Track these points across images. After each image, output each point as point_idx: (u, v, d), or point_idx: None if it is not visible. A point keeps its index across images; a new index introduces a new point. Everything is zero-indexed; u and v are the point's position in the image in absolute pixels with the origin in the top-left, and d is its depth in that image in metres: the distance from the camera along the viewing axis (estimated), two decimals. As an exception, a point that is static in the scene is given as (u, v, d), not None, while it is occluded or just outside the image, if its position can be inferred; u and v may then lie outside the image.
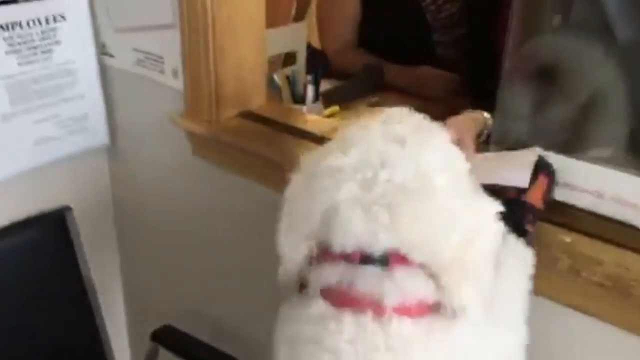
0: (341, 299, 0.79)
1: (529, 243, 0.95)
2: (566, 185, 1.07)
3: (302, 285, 0.86)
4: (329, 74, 1.94)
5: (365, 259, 0.78)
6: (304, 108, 1.55)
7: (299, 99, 1.57)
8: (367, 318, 0.77)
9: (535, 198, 1.00)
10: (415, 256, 0.78)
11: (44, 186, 1.62)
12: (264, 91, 1.51)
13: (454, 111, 1.34)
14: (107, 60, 1.59)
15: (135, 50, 1.51)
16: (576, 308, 1.06)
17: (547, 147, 1.07)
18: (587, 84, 1.11)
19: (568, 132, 1.16)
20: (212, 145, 1.44)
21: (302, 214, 0.83)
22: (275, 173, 1.32)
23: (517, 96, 1.16)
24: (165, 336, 1.57)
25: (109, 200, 1.76)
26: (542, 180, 1.02)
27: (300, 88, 1.58)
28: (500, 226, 0.82)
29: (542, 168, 1.03)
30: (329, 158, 0.81)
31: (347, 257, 0.79)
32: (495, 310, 0.81)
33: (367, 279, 0.78)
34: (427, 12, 2.02)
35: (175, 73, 1.46)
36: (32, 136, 1.54)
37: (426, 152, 0.80)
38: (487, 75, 1.31)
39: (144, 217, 1.72)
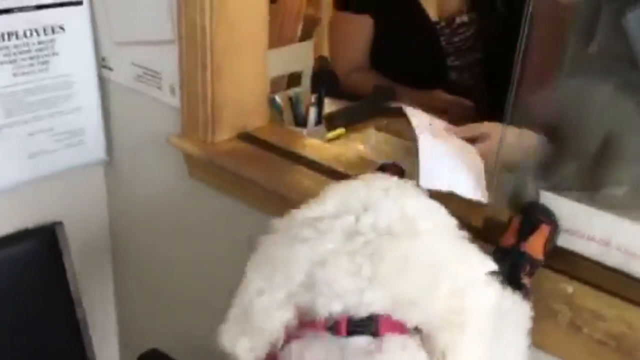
0: None
1: (525, 297, 0.88)
2: (571, 231, 1.00)
3: None
4: (339, 95, 1.89)
5: (353, 327, 0.71)
6: (305, 132, 1.49)
7: (301, 122, 1.51)
8: None
9: (535, 248, 0.94)
10: (405, 315, 0.72)
11: (38, 200, 1.58)
12: (265, 113, 1.46)
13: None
14: (106, 73, 1.55)
15: (134, 64, 1.47)
16: (576, 366, 0.99)
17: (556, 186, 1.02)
18: (600, 127, 1.04)
19: (581, 171, 1.10)
20: (207, 168, 1.39)
21: (280, 271, 0.75)
22: (270, 198, 1.28)
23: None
24: (152, 360, 1.52)
25: (104, 217, 1.72)
26: (544, 229, 0.96)
27: (302, 110, 1.52)
28: (497, 287, 0.77)
29: (544, 216, 0.96)
30: (304, 210, 0.77)
31: (332, 328, 0.71)
32: None
33: (358, 356, 0.70)
34: (441, 35, 1.97)
35: (172, 90, 1.42)
36: (27, 149, 1.51)
37: (410, 199, 0.77)
38: (501, 101, 1.25)
39: (139, 236, 1.68)
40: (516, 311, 0.87)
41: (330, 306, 0.71)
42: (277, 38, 1.54)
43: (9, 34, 1.40)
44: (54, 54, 1.47)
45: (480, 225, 1.05)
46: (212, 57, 1.32)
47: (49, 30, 1.45)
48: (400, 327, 0.72)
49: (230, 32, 1.32)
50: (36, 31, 1.43)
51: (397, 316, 0.71)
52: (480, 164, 1.17)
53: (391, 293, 0.71)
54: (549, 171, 1.07)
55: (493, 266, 0.77)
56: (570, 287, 0.99)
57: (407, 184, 0.81)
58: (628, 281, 0.96)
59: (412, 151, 1.25)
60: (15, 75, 1.43)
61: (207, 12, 1.28)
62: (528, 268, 0.92)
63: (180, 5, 1.31)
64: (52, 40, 1.46)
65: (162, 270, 1.65)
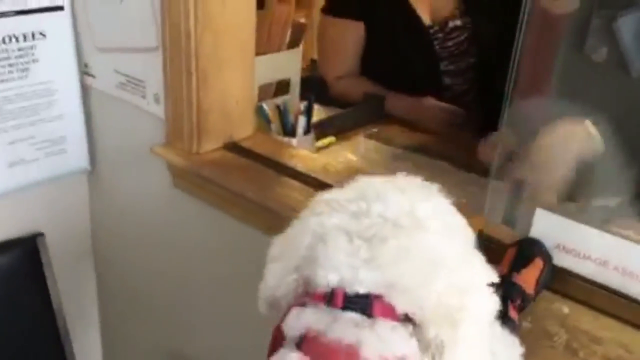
0: (318, 349, 0.71)
1: (513, 332, 0.85)
2: (567, 250, 0.97)
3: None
4: (328, 102, 1.85)
5: (348, 302, 0.72)
6: (294, 141, 1.45)
7: (290, 130, 1.47)
8: None
9: (527, 281, 0.91)
10: (399, 301, 0.72)
11: (19, 211, 1.54)
12: (252, 122, 1.42)
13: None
14: (89, 80, 1.51)
15: (117, 72, 1.43)
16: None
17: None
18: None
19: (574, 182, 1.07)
20: (192, 179, 1.34)
21: (291, 241, 0.79)
22: (255, 210, 1.24)
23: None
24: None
25: (86, 228, 1.67)
26: (538, 263, 0.93)
27: (291, 119, 1.48)
28: (496, 300, 0.75)
29: (539, 252, 0.94)
30: (326, 194, 0.80)
31: (330, 300, 0.73)
32: None
33: (348, 326, 0.71)
34: (435, 40, 1.93)
35: (157, 99, 1.38)
36: (7, 158, 1.46)
37: (424, 201, 0.77)
38: (495, 107, 1.22)
39: (122, 247, 1.63)
40: (508, 343, 0.83)
41: (328, 277, 0.73)
42: (264, 45, 1.49)
43: (-12, 41, 1.36)
44: (35, 60, 1.43)
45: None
46: (198, 64, 1.27)
47: (29, 37, 1.41)
48: (392, 313, 0.72)
49: (216, 38, 1.27)
50: (15, 37, 1.39)
51: (389, 300, 0.72)
52: None
53: (386, 277, 0.72)
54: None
55: (494, 277, 0.76)
56: (565, 308, 0.96)
57: (430, 187, 0.81)
58: (626, 302, 0.93)
59: (402, 158, 1.21)
60: (-7, 82, 1.39)
61: (192, 18, 1.24)
62: (519, 302, 0.89)
63: (164, 10, 1.27)
64: (32, 47, 1.42)
65: (146, 282, 1.61)
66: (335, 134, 1.67)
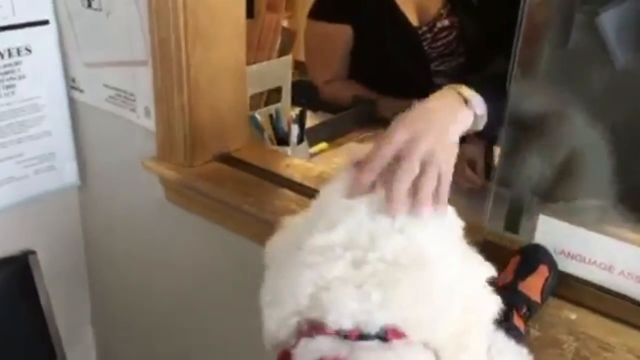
0: None
1: (519, 341, 0.84)
2: (572, 255, 0.96)
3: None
4: (317, 107, 1.84)
5: (363, 336, 0.71)
6: (288, 150, 1.43)
7: (283, 137, 1.46)
8: None
9: (532, 289, 0.90)
10: (414, 334, 0.71)
11: (9, 229, 1.51)
12: (245, 132, 1.40)
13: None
14: (77, 95, 1.48)
15: (106, 86, 1.40)
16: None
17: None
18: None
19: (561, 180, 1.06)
20: (185, 192, 1.32)
21: (288, 291, 0.76)
22: (251, 223, 1.22)
23: (517, 141, 1.07)
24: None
25: (79, 244, 1.64)
26: (543, 270, 0.92)
27: (284, 127, 1.46)
28: (497, 300, 0.76)
29: (543, 258, 0.92)
30: (315, 235, 0.75)
31: (343, 334, 0.71)
32: None
33: (368, 352, 0.70)
34: (423, 41, 1.92)
35: (147, 112, 1.35)
36: (-6, 176, 1.43)
37: (414, 228, 0.74)
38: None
39: (116, 262, 1.61)
40: (516, 351, 0.82)
41: (340, 322, 0.71)
42: (255, 53, 1.48)
43: (-28, 58, 1.33)
44: (21, 77, 1.40)
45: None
46: (189, 76, 1.25)
47: (15, 53, 1.38)
48: (407, 338, 0.71)
49: (206, 49, 1.25)
50: (0, 54, 1.36)
51: (404, 331, 0.71)
52: None
53: (403, 315, 0.71)
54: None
55: (493, 272, 0.77)
56: (573, 314, 0.95)
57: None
58: (632, 307, 0.93)
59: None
60: (-21, 100, 1.36)
61: (182, 29, 1.22)
62: (524, 310, 0.88)
63: (152, 23, 1.25)
64: (17, 63, 1.39)
65: (140, 297, 1.58)
66: (327, 140, 1.66)
